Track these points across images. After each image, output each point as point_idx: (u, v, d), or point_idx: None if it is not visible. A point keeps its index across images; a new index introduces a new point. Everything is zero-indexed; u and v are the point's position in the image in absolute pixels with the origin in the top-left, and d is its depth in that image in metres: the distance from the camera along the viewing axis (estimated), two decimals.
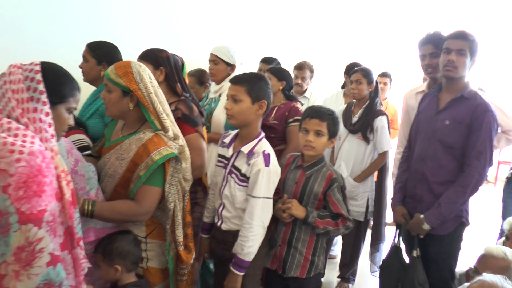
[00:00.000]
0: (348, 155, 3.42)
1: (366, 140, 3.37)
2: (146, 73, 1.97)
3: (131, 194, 1.91)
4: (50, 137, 1.55)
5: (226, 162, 2.23)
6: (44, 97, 1.54)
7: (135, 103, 1.95)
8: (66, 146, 1.83)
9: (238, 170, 2.16)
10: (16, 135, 1.45)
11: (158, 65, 2.45)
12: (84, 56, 2.68)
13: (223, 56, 3.17)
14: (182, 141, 2.06)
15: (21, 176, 1.40)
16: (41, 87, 1.54)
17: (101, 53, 2.66)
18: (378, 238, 3.51)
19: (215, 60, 3.20)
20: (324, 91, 4.28)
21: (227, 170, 2.21)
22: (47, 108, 1.54)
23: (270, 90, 2.19)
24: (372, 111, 3.36)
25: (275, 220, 2.34)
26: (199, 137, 2.41)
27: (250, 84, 2.12)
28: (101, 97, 2.00)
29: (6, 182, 1.38)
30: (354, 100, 3.52)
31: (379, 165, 3.40)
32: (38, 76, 1.54)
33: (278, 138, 3.20)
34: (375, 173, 3.49)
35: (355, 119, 3.42)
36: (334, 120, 2.29)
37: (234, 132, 2.28)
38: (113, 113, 1.98)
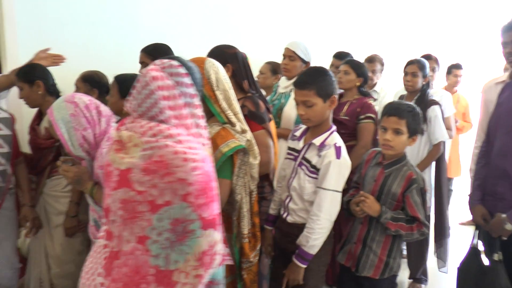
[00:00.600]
0: None
1: (420, 131, 3.26)
2: (217, 70, 2.03)
3: None
4: (203, 129, 1.59)
5: (296, 154, 2.25)
6: (196, 99, 1.57)
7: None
8: None
9: (309, 162, 2.17)
10: (180, 142, 1.46)
11: (224, 62, 2.46)
12: (142, 62, 2.78)
13: (300, 52, 3.19)
14: (250, 136, 2.09)
15: (200, 184, 1.43)
16: (193, 90, 1.56)
17: (159, 56, 2.73)
18: (441, 234, 3.43)
19: (292, 56, 3.21)
20: (395, 85, 4.13)
21: (297, 162, 2.22)
22: (198, 110, 1.57)
23: (335, 80, 2.18)
24: (424, 102, 3.30)
25: (352, 218, 2.34)
26: (266, 134, 2.42)
27: (317, 84, 2.11)
28: None
29: (186, 191, 1.41)
30: (404, 93, 3.47)
31: (435, 156, 3.34)
32: (188, 80, 1.55)
33: (348, 134, 3.13)
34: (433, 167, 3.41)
35: None
36: (414, 117, 2.21)
37: (304, 126, 2.29)
38: None
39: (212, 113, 2.03)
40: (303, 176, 2.17)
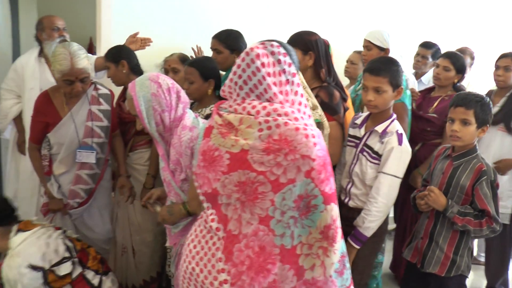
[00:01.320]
0: (488, 149, 3.14)
1: (510, 131, 3.09)
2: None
3: None
4: (305, 107, 1.60)
5: (357, 141, 2.34)
6: (297, 78, 1.58)
7: None
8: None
9: (371, 148, 2.25)
10: (296, 119, 1.50)
11: (307, 49, 2.54)
12: (215, 49, 2.90)
13: (375, 41, 3.20)
14: (320, 111, 2.26)
15: (321, 159, 1.48)
16: (293, 68, 1.58)
17: (231, 42, 2.90)
18: None
19: (368, 46, 3.25)
20: (488, 80, 3.91)
21: (358, 149, 2.31)
22: (299, 89, 1.60)
23: (403, 72, 2.26)
24: None
25: (419, 212, 2.37)
26: (337, 126, 2.48)
27: (391, 73, 2.19)
28: None
29: (310, 166, 1.46)
30: (494, 88, 3.27)
31: None
32: (288, 59, 1.57)
33: (435, 132, 3.08)
34: None
35: (496, 108, 3.12)
36: (483, 107, 2.17)
37: (365, 114, 2.38)
38: None
39: None
40: (365, 162, 2.26)
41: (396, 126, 2.24)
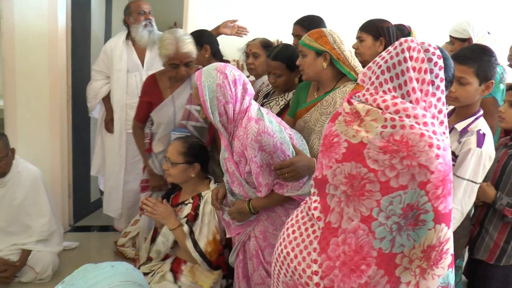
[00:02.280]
0: None
1: None
2: (337, 35, 2.19)
3: None
4: (445, 117, 1.49)
5: None
6: (443, 85, 1.47)
7: (328, 62, 2.17)
8: (276, 120, 2.08)
9: None
10: (425, 124, 1.39)
11: (377, 35, 2.61)
12: (297, 35, 2.85)
13: (455, 33, 3.11)
14: None
15: (440, 174, 1.37)
16: (442, 73, 1.47)
17: (312, 28, 2.82)
18: None
19: (451, 40, 3.17)
20: None
21: None
22: (442, 96, 1.48)
23: (498, 64, 2.11)
24: None
25: None
26: None
27: (479, 63, 2.01)
28: (297, 63, 2.27)
29: (426, 178, 1.36)
30: None
31: None
32: (441, 62, 1.47)
33: None
34: None
35: None
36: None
37: (450, 108, 2.20)
38: (309, 74, 2.23)
39: (342, 74, 2.21)
40: None
41: (479, 125, 2.05)
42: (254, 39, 3.11)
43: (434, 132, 1.38)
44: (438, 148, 1.36)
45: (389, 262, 1.43)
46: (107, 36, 4.15)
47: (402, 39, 1.49)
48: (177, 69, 2.70)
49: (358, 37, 2.72)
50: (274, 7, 3.76)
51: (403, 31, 2.67)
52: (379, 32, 2.56)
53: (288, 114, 2.46)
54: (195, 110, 2.79)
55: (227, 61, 3.23)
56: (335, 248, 1.47)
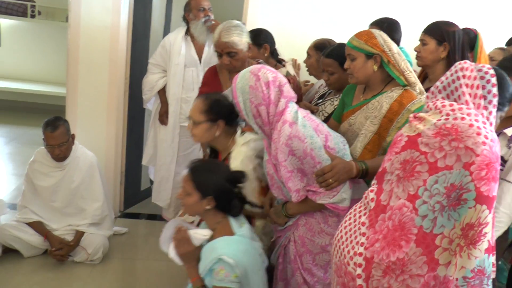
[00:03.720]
0: None
1: None
2: (386, 37, 2.18)
3: (386, 147, 2.06)
4: (490, 126, 1.59)
5: None
6: (495, 100, 1.60)
7: (378, 65, 2.16)
8: (312, 124, 2.06)
9: None
10: (476, 121, 1.54)
11: (442, 40, 2.52)
12: (422, 40, 2.66)
13: None
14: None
15: (485, 158, 1.48)
16: (495, 90, 1.59)
17: (385, 30, 2.83)
18: None
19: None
20: None
21: None
22: (494, 111, 1.61)
23: None
24: None
25: None
26: None
27: None
28: (345, 66, 2.25)
29: (471, 160, 1.48)
30: None
31: None
32: (494, 80, 1.59)
33: None
34: None
35: None
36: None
37: None
38: (359, 78, 2.21)
39: (391, 78, 2.19)
40: None
41: None
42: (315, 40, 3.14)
43: (485, 127, 1.52)
44: (486, 138, 1.49)
45: (429, 242, 1.54)
46: (166, 31, 4.34)
47: (457, 63, 1.65)
48: (221, 58, 2.78)
49: (420, 40, 2.64)
50: (335, 6, 3.77)
51: (469, 34, 2.60)
52: (443, 37, 2.48)
53: (333, 117, 2.48)
54: None
55: (280, 60, 3.33)
56: (381, 223, 1.61)
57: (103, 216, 3.45)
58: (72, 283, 3.12)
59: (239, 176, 2.16)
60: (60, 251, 3.25)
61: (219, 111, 2.39)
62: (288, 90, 2.08)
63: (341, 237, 1.74)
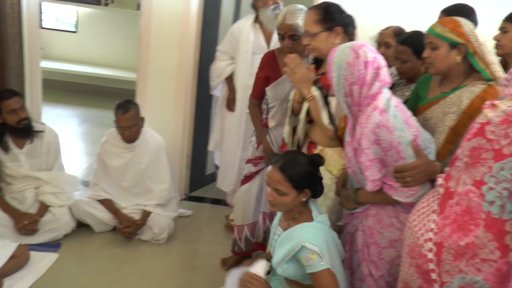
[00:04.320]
0: None
1: None
2: (473, 26, 2.05)
3: None
4: None
5: None
6: None
7: (462, 56, 2.03)
8: (403, 116, 1.96)
9: None
10: None
11: None
12: (503, 27, 2.61)
13: None
14: None
15: None
16: None
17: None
18: None
19: None
20: None
21: None
22: None
23: None
24: None
25: None
26: None
27: None
28: (424, 55, 2.13)
29: None
30: None
31: None
32: None
33: None
34: None
35: None
36: None
37: None
38: (440, 69, 2.09)
39: (473, 70, 2.06)
40: None
41: None
42: (387, 28, 3.04)
43: None
44: None
45: (499, 228, 1.52)
46: (236, 18, 4.38)
47: None
48: (283, 41, 2.77)
49: (501, 28, 2.54)
50: None
51: None
52: None
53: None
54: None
55: None
56: (450, 209, 1.63)
57: (169, 198, 3.57)
58: (137, 260, 3.26)
59: (318, 159, 2.17)
60: (128, 228, 3.40)
61: (334, 17, 2.37)
62: (385, 74, 1.99)
63: (414, 220, 1.75)
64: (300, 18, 2.71)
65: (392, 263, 2.13)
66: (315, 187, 2.14)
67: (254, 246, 3.21)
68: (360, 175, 2.08)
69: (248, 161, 3.16)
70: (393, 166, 1.95)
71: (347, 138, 2.13)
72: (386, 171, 2.00)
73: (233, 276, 2.29)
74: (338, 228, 2.38)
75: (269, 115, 2.97)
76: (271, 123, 2.96)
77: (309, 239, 2.00)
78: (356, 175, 2.12)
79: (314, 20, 2.37)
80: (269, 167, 2.13)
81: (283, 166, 2.08)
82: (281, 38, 2.79)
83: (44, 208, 3.38)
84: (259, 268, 2.14)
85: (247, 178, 3.14)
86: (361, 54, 1.96)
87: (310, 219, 2.12)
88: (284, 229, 2.17)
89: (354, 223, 2.22)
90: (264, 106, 3.03)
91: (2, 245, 2.89)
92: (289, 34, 2.74)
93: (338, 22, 2.38)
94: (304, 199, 2.11)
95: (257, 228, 3.16)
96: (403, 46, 2.51)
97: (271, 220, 3.00)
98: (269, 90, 2.91)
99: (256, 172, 3.10)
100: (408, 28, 2.87)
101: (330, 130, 2.38)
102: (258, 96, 3.06)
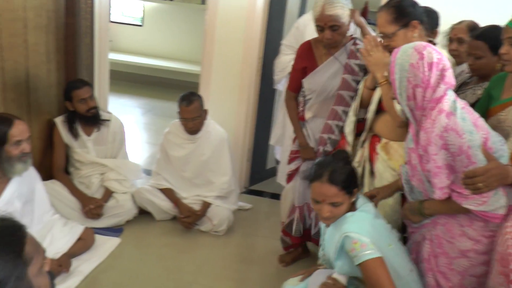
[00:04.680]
0: None
1: None
2: None
3: None
4: None
5: None
6: None
7: None
8: (471, 118, 1.87)
9: None
10: None
11: None
12: None
13: None
14: None
15: None
16: None
17: None
18: None
19: None
20: None
21: None
22: None
23: None
24: None
25: None
26: None
27: None
28: (501, 52, 2.00)
29: None
30: None
31: None
32: None
33: None
34: None
35: None
36: None
37: None
38: None
39: None
40: None
41: None
42: (460, 22, 2.91)
43: None
44: None
45: None
46: (301, 13, 4.36)
47: None
48: (322, 32, 2.69)
49: None
50: None
51: None
52: None
53: (476, 110, 2.23)
54: (352, 80, 2.76)
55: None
56: None
57: (229, 190, 3.60)
58: (195, 250, 3.31)
59: (345, 153, 2.17)
60: (187, 218, 3.45)
61: (408, 12, 2.28)
62: (450, 76, 1.90)
63: (506, 227, 1.67)
64: (339, 7, 2.64)
65: (464, 273, 1.99)
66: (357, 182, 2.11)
67: (295, 241, 3.20)
68: (427, 183, 1.97)
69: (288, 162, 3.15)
70: (462, 172, 1.83)
71: (410, 144, 2.02)
72: (455, 178, 1.89)
73: (317, 276, 2.21)
74: (403, 238, 2.30)
75: (305, 106, 2.95)
76: (308, 115, 2.94)
77: (352, 228, 1.94)
78: (423, 183, 2.00)
79: (388, 21, 2.29)
80: (315, 184, 2.02)
81: (331, 177, 1.99)
82: (320, 29, 2.71)
83: (108, 193, 3.50)
84: (341, 276, 2.08)
85: (290, 176, 3.13)
86: (426, 55, 1.87)
87: (353, 208, 2.06)
88: (328, 226, 2.14)
89: (421, 232, 2.12)
90: (301, 99, 3.00)
91: (70, 227, 3.03)
92: (329, 25, 2.66)
93: (412, 16, 2.29)
94: (354, 199, 2.06)
95: (297, 223, 3.11)
96: (478, 41, 2.39)
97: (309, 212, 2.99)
98: (306, 82, 2.89)
99: (296, 169, 3.06)
100: (482, 23, 2.75)
101: (400, 117, 2.28)
102: (294, 88, 3.02)
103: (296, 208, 3.08)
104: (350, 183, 2.02)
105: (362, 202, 2.09)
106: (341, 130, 2.82)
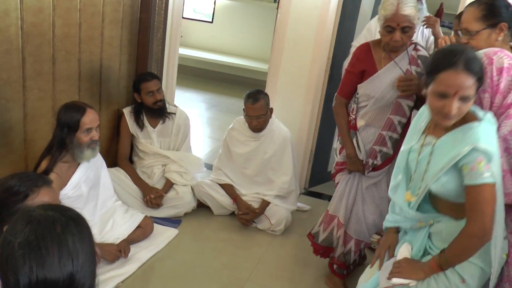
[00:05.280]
0: None
1: None
2: None
3: None
4: None
5: None
6: None
7: None
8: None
9: None
10: None
11: None
12: None
13: None
14: None
15: None
16: None
17: None
18: None
19: None
20: None
21: None
22: None
23: None
24: None
25: None
26: None
27: None
28: None
29: None
30: None
31: None
32: None
33: None
34: None
35: None
36: None
37: None
38: None
39: None
40: None
41: None
42: None
43: None
44: None
45: None
46: (374, 13, 4.27)
47: None
48: (392, 34, 2.46)
49: None
50: None
51: None
52: None
53: None
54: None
55: None
56: None
57: (289, 191, 3.58)
58: (252, 247, 3.32)
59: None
60: (246, 215, 3.47)
61: (500, 12, 2.07)
62: None
63: None
64: (413, 7, 2.45)
65: None
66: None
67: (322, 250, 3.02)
68: None
69: (333, 175, 2.96)
70: None
71: None
72: None
73: (386, 269, 2.01)
74: None
75: (358, 114, 2.71)
76: (360, 123, 2.69)
77: (483, 140, 1.67)
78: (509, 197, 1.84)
79: (476, 17, 2.10)
80: (447, 74, 1.70)
81: (468, 65, 1.68)
82: (390, 30, 2.47)
83: (169, 185, 3.58)
84: (404, 252, 1.95)
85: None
86: (495, 60, 1.79)
87: (476, 119, 1.75)
88: (439, 137, 1.85)
89: None
90: (353, 106, 2.73)
91: (131, 215, 3.11)
92: (402, 26, 2.44)
93: (503, 17, 2.10)
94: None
95: (330, 233, 2.94)
96: None
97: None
98: (362, 87, 2.65)
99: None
100: None
101: None
102: (346, 94, 2.76)
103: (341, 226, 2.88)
104: (482, 75, 1.75)
105: (483, 113, 1.80)
106: (394, 143, 2.64)
